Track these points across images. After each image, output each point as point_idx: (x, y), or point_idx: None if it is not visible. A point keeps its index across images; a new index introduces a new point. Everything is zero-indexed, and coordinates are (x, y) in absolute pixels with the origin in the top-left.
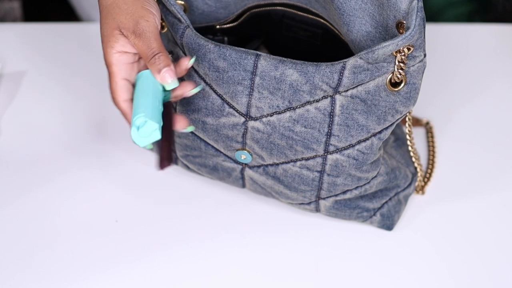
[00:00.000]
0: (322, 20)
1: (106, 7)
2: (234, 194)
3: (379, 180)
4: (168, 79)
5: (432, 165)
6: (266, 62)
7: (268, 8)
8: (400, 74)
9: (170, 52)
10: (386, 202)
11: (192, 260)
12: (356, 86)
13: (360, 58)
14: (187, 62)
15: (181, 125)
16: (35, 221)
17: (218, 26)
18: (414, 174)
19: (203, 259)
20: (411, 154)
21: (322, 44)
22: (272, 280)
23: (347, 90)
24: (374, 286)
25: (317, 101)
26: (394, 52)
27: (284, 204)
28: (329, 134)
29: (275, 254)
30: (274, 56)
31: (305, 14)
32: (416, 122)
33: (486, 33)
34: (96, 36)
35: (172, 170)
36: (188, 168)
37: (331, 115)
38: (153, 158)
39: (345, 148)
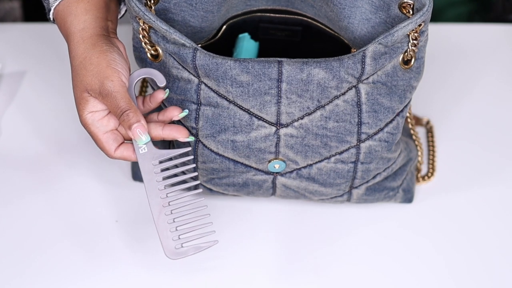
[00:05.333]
0: (303, 18)
1: (75, 68)
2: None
3: (402, 157)
4: (140, 135)
5: (433, 164)
6: (290, 67)
7: (245, 16)
8: (414, 51)
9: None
10: (405, 177)
11: (193, 259)
12: (376, 72)
13: (379, 43)
14: (162, 95)
15: (182, 134)
16: (35, 221)
17: (199, 45)
18: (416, 146)
19: (203, 258)
20: (410, 126)
21: (301, 40)
22: (271, 278)
23: (368, 77)
24: (374, 284)
25: (343, 94)
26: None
27: (283, 202)
28: (359, 123)
29: (274, 253)
30: (296, 59)
31: (283, 15)
32: (417, 121)
33: (486, 33)
34: None
35: None
36: (211, 191)
37: (359, 104)
38: None
39: (376, 133)
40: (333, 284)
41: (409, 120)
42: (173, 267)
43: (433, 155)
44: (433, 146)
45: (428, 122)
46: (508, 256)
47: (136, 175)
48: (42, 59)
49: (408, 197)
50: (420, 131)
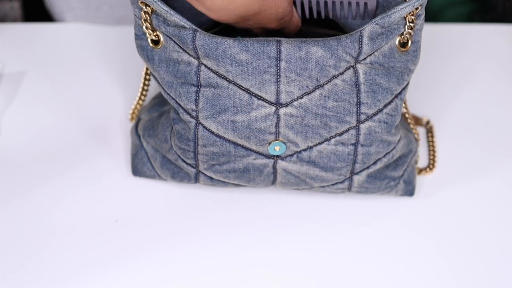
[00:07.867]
0: None
1: None
2: (234, 193)
3: (402, 144)
4: None
5: (433, 164)
6: (289, 45)
7: None
8: (410, 34)
9: None
10: (405, 168)
11: (193, 259)
12: (373, 52)
13: (376, 24)
14: None
15: None
16: (35, 221)
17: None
18: (415, 139)
19: (204, 259)
20: (409, 121)
21: (299, 31)
22: (270, 277)
23: (365, 58)
24: (375, 280)
25: (342, 73)
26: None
27: (282, 200)
28: (358, 103)
29: (273, 253)
30: (294, 39)
31: None
32: (416, 121)
33: (486, 33)
34: (96, 36)
35: None
36: (211, 180)
37: (357, 84)
38: None
39: (375, 114)
40: (333, 283)
41: (407, 115)
42: (173, 267)
43: (433, 155)
44: (433, 146)
45: (428, 122)
46: (510, 256)
47: (136, 169)
48: (42, 59)
49: (409, 189)
50: (420, 131)
